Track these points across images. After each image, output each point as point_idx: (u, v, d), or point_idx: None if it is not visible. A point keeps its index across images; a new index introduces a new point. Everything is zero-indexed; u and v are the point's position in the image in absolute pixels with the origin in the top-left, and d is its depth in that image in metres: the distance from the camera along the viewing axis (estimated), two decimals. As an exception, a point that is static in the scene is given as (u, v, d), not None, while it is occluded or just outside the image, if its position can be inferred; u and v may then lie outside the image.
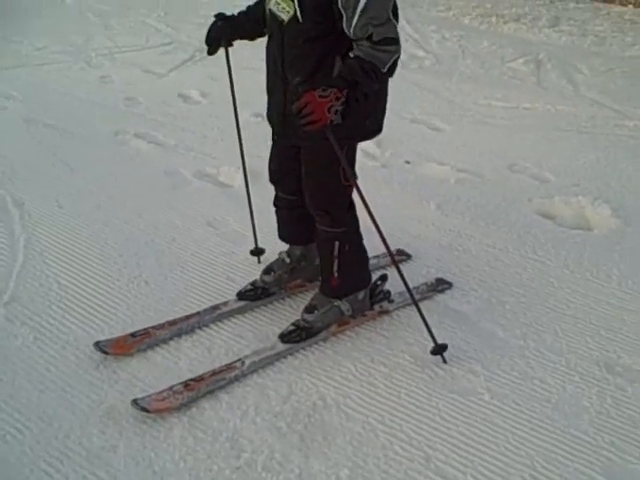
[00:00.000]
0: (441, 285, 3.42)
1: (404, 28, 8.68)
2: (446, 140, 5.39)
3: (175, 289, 3.35)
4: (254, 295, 3.25)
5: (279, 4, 2.61)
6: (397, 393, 2.68)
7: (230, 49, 3.03)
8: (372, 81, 2.49)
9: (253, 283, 3.29)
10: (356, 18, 2.46)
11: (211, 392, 2.69)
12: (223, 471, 2.34)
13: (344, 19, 2.48)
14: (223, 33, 2.97)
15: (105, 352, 2.87)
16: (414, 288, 2.98)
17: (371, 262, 3.40)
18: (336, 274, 3.00)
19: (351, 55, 2.50)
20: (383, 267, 3.52)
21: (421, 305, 2.92)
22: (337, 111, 2.53)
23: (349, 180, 2.80)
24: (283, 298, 3.31)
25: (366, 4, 2.44)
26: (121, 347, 2.91)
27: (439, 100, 6.32)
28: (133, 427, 2.52)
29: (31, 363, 2.84)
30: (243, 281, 3.34)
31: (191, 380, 2.73)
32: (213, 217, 4.02)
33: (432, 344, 2.86)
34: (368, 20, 2.44)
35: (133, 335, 2.98)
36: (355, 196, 2.83)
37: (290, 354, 2.92)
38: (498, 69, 7.32)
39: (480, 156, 5.04)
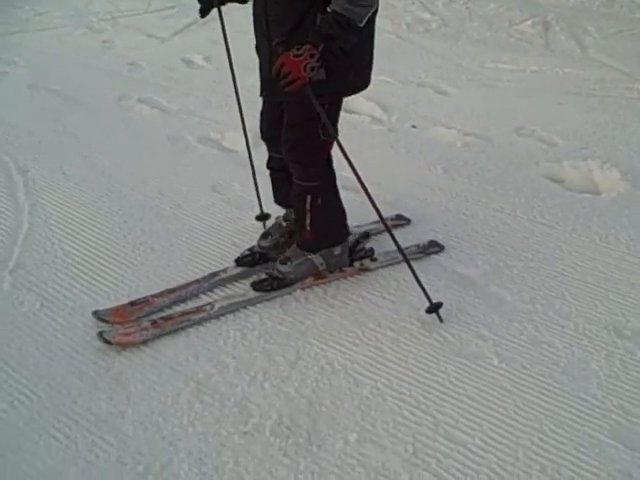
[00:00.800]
0: (432, 247, 3.40)
1: (410, -10, 8.56)
2: (453, 104, 5.33)
3: (181, 255, 3.33)
4: (252, 261, 3.25)
5: None
6: (405, 358, 2.68)
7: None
8: (348, 35, 2.50)
9: (251, 249, 3.31)
10: None
11: (176, 331, 2.79)
12: (232, 436, 2.35)
13: None
14: None
15: (104, 321, 2.87)
16: (405, 248, 3.00)
17: (371, 227, 3.39)
18: (309, 227, 3.04)
19: (328, 10, 2.51)
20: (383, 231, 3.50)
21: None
22: (313, 68, 2.50)
23: (329, 136, 2.81)
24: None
25: None
26: (120, 315, 2.91)
27: (446, 63, 6.23)
28: (141, 393, 2.52)
29: (38, 330, 2.84)
30: (248, 247, 3.33)
31: (160, 318, 2.82)
32: (218, 182, 3.99)
33: (428, 303, 2.85)
34: None
35: (132, 304, 2.97)
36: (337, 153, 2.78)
37: (259, 301, 2.99)
38: (505, 32, 7.21)
39: (487, 120, 4.98)
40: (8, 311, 2.95)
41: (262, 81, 2.90)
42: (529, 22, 7.48)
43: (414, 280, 2.84)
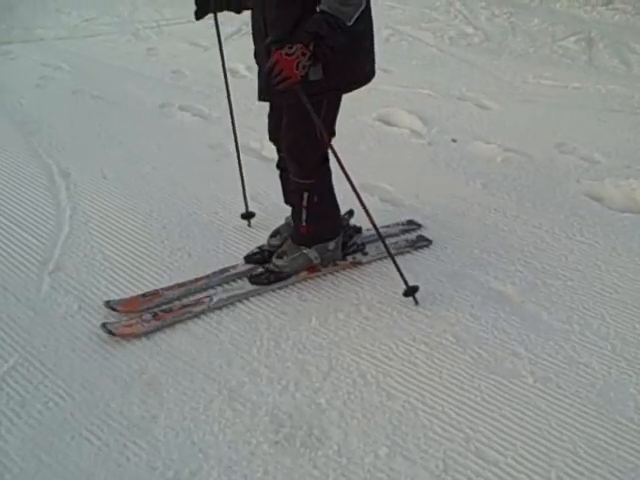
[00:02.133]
0: (421, 242, 3.49)
1: (453, 4, 8.54)
2: (493, 118, 5.29)
3: (217, 262, 3.35)
4: (261, 258, 3.34)
5: None
6: (439, 373, 2.65)
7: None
8: (337, 34, 2.56)
9: (260, 247, 3.42)
10: None
11: (176, 323, 2.90)
12: (261, 445, 2.34)
13: None
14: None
15: (115, 310, 2.96)
16: (394, 243, 3.24)
17: (382, 230, 3.36)
18: (304, 223, 3.17)
19: (317, 10, 2.58)
20: (396, 235, 3.59)
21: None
22: (305, 67, 2.59)
23: (324, 136, 2.87)
24: None
25: None
26: (131, 305, 3.01)
27: (487, 77, 6.20)
28: (173, 398, 2.53)
29: (74, 332, 2.87)
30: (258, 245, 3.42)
31: (161, 311, 2.93)
32: (256, 191, 4.01)
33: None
34: None
35: (144, 295, 3.08)
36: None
37: (258, 294, 3.10)
38: (548, 47, 7.15)
39: (528, 135, 4.93)
40: (46, 312, 2.99)
41: (260, 86, 2.96)
42: (573, 38, 7.41)
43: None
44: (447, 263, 3.35)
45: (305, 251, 3.23)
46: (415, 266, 3.31)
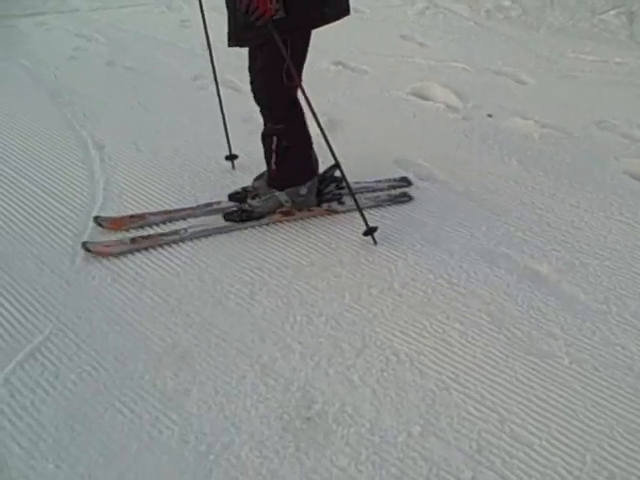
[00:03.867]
0: (402, 197, 3.63)
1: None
2: (531, 94, 5.19)
3: (252, 238, 3.34)
4: (242, 197, 3.56)
5: None
6: (472, 352, 2.62)
7: None
8: None
9: (244, 187, 3.64)
10: None
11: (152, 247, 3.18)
12: (294, 421, 2.34)
13: None
14: None
15: (101, 225, 3.34)
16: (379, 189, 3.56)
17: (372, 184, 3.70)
18: (274, 166, 3.34)
19: None
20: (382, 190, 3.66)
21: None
22: (277, 1, 2.80)
23: (292, 80, 3.03)
24: None
25: None
26: (116, 224, 3.36)
27: (525, 52, 6.07)
28: (206, 372, 2.54)
29: (108, 304, 2.88)
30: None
31: (139, 237, 3.24)
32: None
33: (365, 228, 3.20)
34: None
35: (131, 217, 3.42)
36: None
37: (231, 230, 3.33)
38: (588, 21, 6.98)
39: (566, 111, 4.83)
40: (80, 284, 3.01)
41: (229, 32, 3.10)
42: (613, 12, 7.22)
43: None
44: (482, 241, 3.30)
45: (276, 194, 3.39)
46: (449, 244, 3.26)
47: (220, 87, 3.91)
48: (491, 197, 3.70)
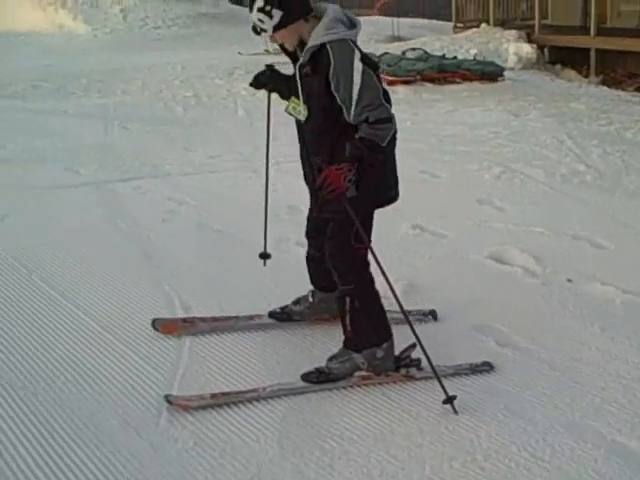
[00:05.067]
0: (484, 366, 3.62)
1: (564, 142, 8.61)
2: (610, 258, 5.19)
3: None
4: (280, 318, 4.01)
5: (295, 108, 3.38)
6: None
7: None
8: (374, 153, 3.17)
9: (283, 307, 4.04)
10: (353, 108, 3.14)
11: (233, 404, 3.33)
12: None
13: (344, 111, 3.19)
14: (269, 81, 3.59)
15: (156, 329, 3.86)
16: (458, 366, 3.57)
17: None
18: (349, 327, 3.47)
19: (356, 136, 3.16)
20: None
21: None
22: (351, 180, 3.17)
23: (360, 242, 3.35)
24: (302, 327, 4.03)
25: (359, 95, 3.12)
26: (169, 328, 3.92)
27: (602, 216, 6.13)
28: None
29: (191, 470, 2.92)
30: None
31: (219, 393, 3.38)
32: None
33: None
34: (363, 108, 3.13)
35: (184, 320, 3.98)
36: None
37: (307, 392, 3.41)
38: (664, 185, 7.04)
39: (647, 277, 4.81)
40: (163, 447, 3.07)
41: (311, 205, 3.64)
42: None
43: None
44: (566, 412, 3.25)
45: (353, 356, 3.45)
46: (533, 414, 3.22)
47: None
48: (574, 365, 3.67)
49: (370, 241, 3.42)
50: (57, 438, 3.14)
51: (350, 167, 3.15)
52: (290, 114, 3.44)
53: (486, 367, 3.62)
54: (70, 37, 22.40)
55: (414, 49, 14.88)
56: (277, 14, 3.16)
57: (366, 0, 24.53)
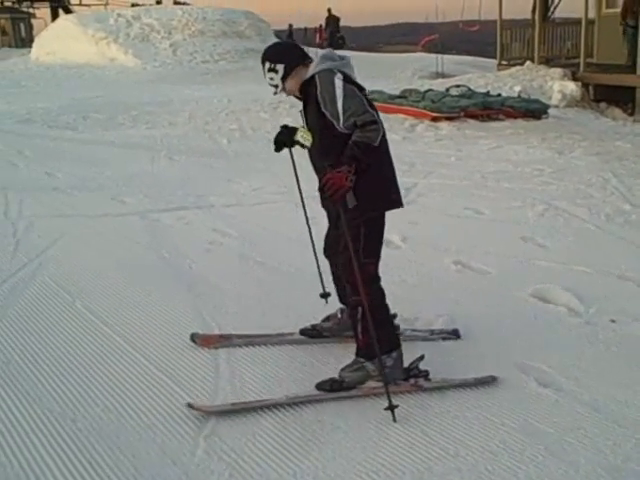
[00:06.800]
0: (488, 379, 3.80)
1: (609, 181, 8.52)
2: (656, 299, 5.10)
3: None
4: (311, 335, 4.27)
5: (303, 136, 3.73)
6: None
7: None
8: (368, 153, 3.52)
9: (314, 325, 4.30)
10: (341, 118, 3.52)
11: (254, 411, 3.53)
12: None
13: (335, 124, 3.55)
14: (287, 139, 3.91)
15: (195, 342, 4.20)
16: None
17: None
18: (360, 336, 3.72)
19: (350, 141, 3.52)
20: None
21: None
22: (351, 180, 3.48)
23: (370, 257, 3.71)
24: (331, 343, 4.24)
25: (343, 106, 3.50)
26: (206, 341, 4.24)
27: (648, 256, 6.03)
28: None
29: (226, 500, 2.92)
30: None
31: (241, 402, 3.61)
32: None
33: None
34: (349, 115, 3.51)
35: (221, 336, 4.30)
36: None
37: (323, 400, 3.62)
38: None
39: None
40: (198, 478, 3.08)
41: (329, 221, 4.05)
42: None
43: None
44: (609, 456, 3.19)
45: (365, 364, 3.71)
46: (574, 457, 3.15)
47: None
48: (618, 408, 3.59)
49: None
50: (96, 467, 3.18)
51: (349, 169, 3.47)
52: (301, 145, 3.78)
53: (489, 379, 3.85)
54: (121, 70, 23.04)
55: (458, 86, 14.95)
56: (280, 67, 3.76)
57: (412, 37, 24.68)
